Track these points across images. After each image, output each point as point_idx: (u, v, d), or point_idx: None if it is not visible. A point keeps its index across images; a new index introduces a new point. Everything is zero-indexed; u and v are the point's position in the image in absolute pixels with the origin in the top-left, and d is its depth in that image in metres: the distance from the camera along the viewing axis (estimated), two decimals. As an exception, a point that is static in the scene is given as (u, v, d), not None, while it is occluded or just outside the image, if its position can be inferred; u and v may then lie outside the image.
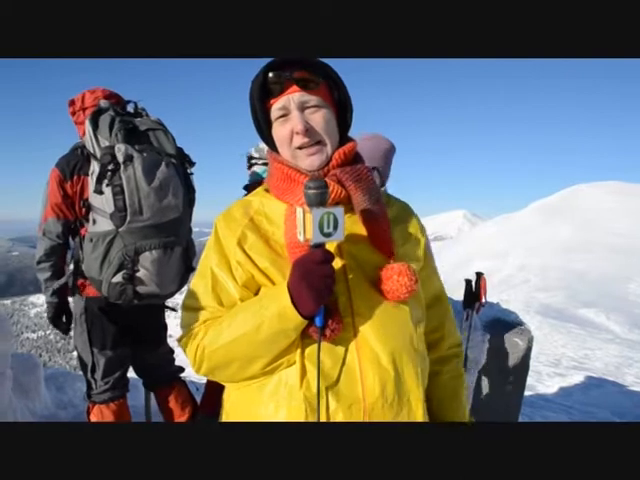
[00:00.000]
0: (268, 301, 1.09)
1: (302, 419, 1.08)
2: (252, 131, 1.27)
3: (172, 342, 2.70)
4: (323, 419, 1.08)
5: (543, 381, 8.65)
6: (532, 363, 4.75)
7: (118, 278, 2.14)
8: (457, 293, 3.49)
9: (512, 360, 4.30)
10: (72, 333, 2.54)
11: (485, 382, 4.29)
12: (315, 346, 1.06)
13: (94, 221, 2.19)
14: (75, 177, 2.31)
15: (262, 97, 1.17)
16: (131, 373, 2.62)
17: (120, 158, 2.06)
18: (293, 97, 1.14)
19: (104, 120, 2.18)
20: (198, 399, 2.75)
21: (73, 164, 2.32)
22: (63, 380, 3.96)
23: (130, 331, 2.51)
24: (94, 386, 2.45)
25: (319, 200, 1.00)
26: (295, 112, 1.14)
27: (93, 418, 2.44)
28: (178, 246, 2.24)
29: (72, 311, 2.51)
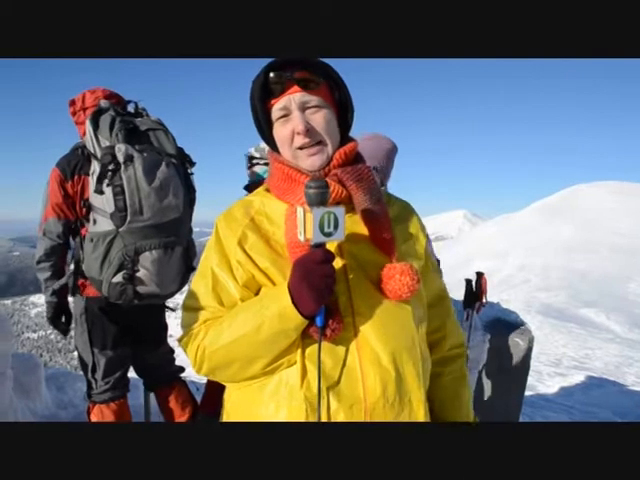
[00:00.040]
0: (269, 301, 1.09)
1: (303, 419, 1.08)
2: (253, 131, 1.28)
3: (172, 342, 2.70)
4: (324, 419, 1.08)
5: (544, 381, 8.65)
6: (533, 363, 4.75)
7: (118, 278, 2.14)
8: (457, 293, 3.49)
9: (513, 360, 4.30)
10: (72, 333, 2.54)
11: (486, 382, 4.29)
12: (316, 346, 1.06)
13: (94, 221, 2.19)
14: (76, 177, 2.31)
15: (263, 97, 1.17)
16: (131, 373, 2.62)
17: (120, 158, 2.06)
18: (294, 97, 1.14)
19: (104, 120, 2.19)
20: (198, 399, 2.75)
21: (74, 164, 2.32)
22: (64, 380, 3.96)
23: (130, 331, 2.51)
24: (94, 386, 2.45)
25: (320, 200, 1.00)
26: (296, 112, 1.14)
27: (93, 418, 2.44)
28: (178, 246, 2.24)
29: (71, 311, 2.51)
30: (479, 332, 4.14)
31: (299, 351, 1.10)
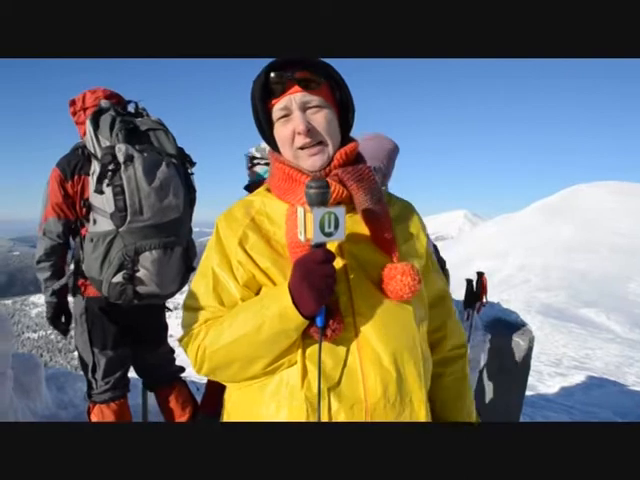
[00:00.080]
0: (269, 301, 1.08)
1: (304, 419, 1.08)
2: (253, 131, 1.27)
3: (173, 342, 2.70)
4: (325, 419, 1.07)
5: (544, 381, 8.65)
6: (533, 363, 4.75)
7: (118, 278, 2.14)
8: (458, 293, 3.50)
9: (513, 360, 4.30)
10: (72, 333, 2.54)
11: (486, 382, 4.29)
12: (316, 346, 1.06)
13: (94, 221, 2.19)
14: (76, 177, 2.31)
15: (264, 97, 1.17)
16: (131, 373, 2.62)
17: (121, 158, 2.06)
18: (295, 97, 1.14)
19: (105, 120, 2.19)
20: (199, 399, 2.74)
21: (74, 164, 2.32)
22: (64, 380, 3.96)
23: (130, 331, 2.51)
24: (95, 386, 2.44)
25: (320, 200, 1.00)
26: (297, 112, 1.14)
27: (94, 418, 2.44)
28: (178, 246, 2.24)
29: (71, 311, 2.51)
30: (479, 332, 4.15)
31: (299, 351, 1.10)
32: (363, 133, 2.47)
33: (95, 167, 2.14)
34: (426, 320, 1.27)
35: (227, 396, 1.29)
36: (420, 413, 1.15)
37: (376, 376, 1.09)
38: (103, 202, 2.11)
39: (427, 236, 1.40)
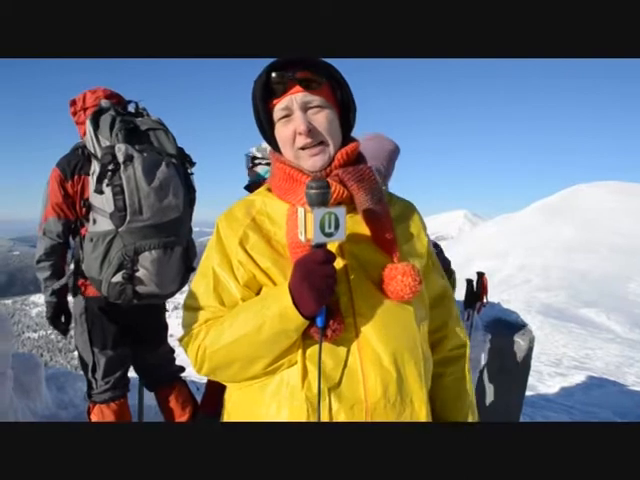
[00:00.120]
0: (269, 301, 1.09)
1: (304, 419, 1.08)
2: (253, 131, 1.27)
3: (173, 342, 2.70)
4: (325, 420, 1.07)
5: (544, 381, 8.65)
6: (533, 363, 4.75)
7: (118, 278, 2.14)
8: (458, 293, 3.50)
9: (513, 360, 4.30)
10: (72, 333, 2.54)
11: (486, 382, 4.29)
12: (316, 346, 1.06)
13: (94, 221, 2.19)
14: (76, 177, 2.31)
15: (265, 97, 1.17)
16: (131, 373, 2.62)
17: (120, 158, 2.06)
18: (296, 97, 1.14)
19: (105, 120, 2.19)
20: (199, 399, 2.75)
21: (74, 164, 2.32)
22: (64, 380, 3.96)
23: (130, 331, 2.51)
24: (95, 386, 2.45)
25: (320, 200, 1.00)
26: (298, 112, 1.14)
27: (94, 418, 2.44)
28: (178, 246, 2.24)
29: (71, 311, 2.51)
30: (480, 332, 4.14)
31: (300, 351, 1.10)
32: (364, 134, 2.47)
33: (95, 167, 2.14)
34: (427, 320, 1.27)
35: (227, 396, 1.29)
36: (421, 413, 1.15)
37: (376, 376, 1.09)
38: (103, 202, 2.12)
39: (428, 236, 1.40)
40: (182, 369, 2.79)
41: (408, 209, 1.34)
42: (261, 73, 1.15)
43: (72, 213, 2.34)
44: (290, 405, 1.10)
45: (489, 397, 4.28)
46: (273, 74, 1.13)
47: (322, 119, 1.15)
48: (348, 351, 1.10)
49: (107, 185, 2.08)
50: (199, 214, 2.69)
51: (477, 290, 3.66)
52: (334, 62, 1.18)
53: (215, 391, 2.45)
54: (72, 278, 2.37)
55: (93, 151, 2.16)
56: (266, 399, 1.14)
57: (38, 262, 2.38)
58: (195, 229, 2.61)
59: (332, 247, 1.11)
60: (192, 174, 2.44)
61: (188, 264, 2.32)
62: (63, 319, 2.51)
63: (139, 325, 2.54)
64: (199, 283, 1.23)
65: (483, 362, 4.13)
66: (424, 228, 1.34)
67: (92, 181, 2.15)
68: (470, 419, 1.35)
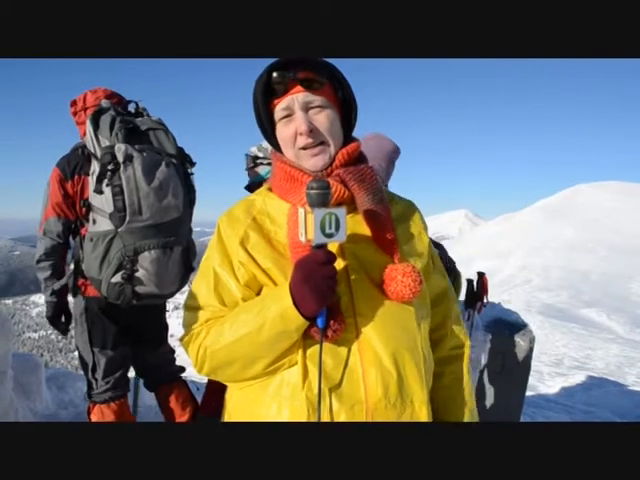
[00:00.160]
0: (270, 302, 1.08)
1: (305, 419, 1.08)
2: (253, 131, 1.27)
3: (173, 342, 2.70)
4: (326, 420, 1.07)
5: (544, 381, 8.65)
6: (533, 363, 4.76)
7: (117, 278, 2.14)
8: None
9: (514, 360, 4.30)
10: (72, 333, 2.54)
11: (487, 382, 4.29)
12: (317, 347, 1.06)
13: (94, 221, 2.19)
14: (76, 177, 2.31)
15: (266, 97, 1.17)
16: (131, 373, 2.62)
17: (120, 158, 2.06)
18: (297, 97, 1.14)
19: (105, 120, 2.19)
20: (199, 399, 2.74)
21: (74, 164, 2.32)
22: (64, 380, 3.96)
23: (130, 331, 2.51)
24: (95, 386, 2.44)
25: (321, 200, 1.00)
26: (299, 112, 1.14)
27: (94, 418, 2.44)
28: (178, 246, 2.24)
29: (71, 311, 2.51)
30: (480, 332, 4.15)
31: (300, 352, 1.10)
32: (365, 134, 2.47)
33: (95, 167, 2.14)
34: (428, 320, 1.26)
35: (228, 396, 1.29)
36: (421, 413, 1.15)
37: (377, 376, 1.09)
38: (102, 202, 2.12)
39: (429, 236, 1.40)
40: (182, 369, 2.79)
41: (409, 209, 1.34)
42: (262, 73, 1.15)
43: (72, 213, 2.34)
44: (291, 405, 1.10)
45: (489, 397, 4.28)
46: (274, 74, 1.13)
47: (323, 119, 1.15)
48: (349, 351, 1.10)
49: (107, 185, 2.08)
50: (199, 214, 2.69)
51: (477, 290, 3.66)
52: (334, 62, 1.18)
53: (215, 391, 2.45)
54: (72, 278, 2.37)
55: (93, 151, 2.16)
56: (267, 399, 1.14)
57: (38, 262, 2.38)
58: (196, 229, 2.61)
59: (333, 247, 1.11)
60: (192, 174, 2.44)
61: (188, 264, 2.32)
62: (63, 319, 2.51)
63: (139, 325, 2.54)
64: (200, 283, 1.23)
65: (483, 362, 4.14)
66: (425, 228, 1.34)
67: (92, 181, 2.15)
68: (467, 419, 1.34)
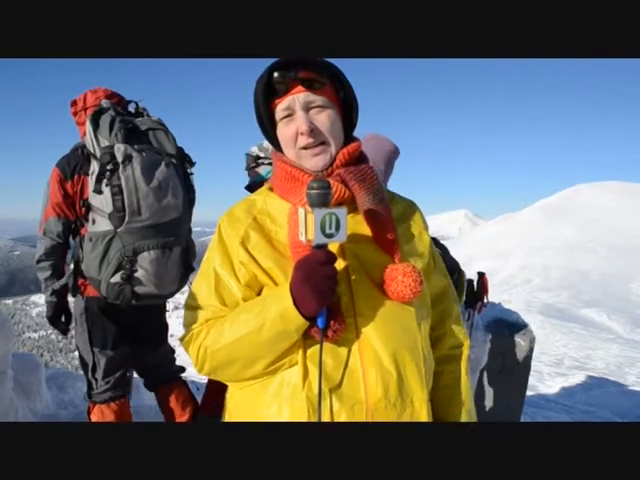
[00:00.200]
0: (270, 302, 1.08)
1: (305, 419, 1.08)
2: (253, 131, 1.27)
3: (173, 342, 2.70)
4: (326, 420, 1.07)
5: (545, 381, 8.65)
6: (534, 363, 4.76)
7: (116, 278, 2.14)
8: (459, 293, 3.49)
9: (514, 360, 4.30)
10: (73, 333, 2.54)
11: (487, 382, 4.30)
12: (317, 347, 1.06)
13: (93, 221, 2.19)
14: (76, 177, 2.31)
15: (267, 97, 1.17)
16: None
17: (119, 158, 2.06)
18: (298, 97, 1.14)
19: (104, 120, 2.19)
20: (199, 399, 2.74)
21: (74, 164, 2.32)
22: (64, 380, 3.96)
23: (130, 331, 2.51)
24: (95, 386, 2.44)
25: (321, 200, 1.00)
26: (300, 112, 1.14)
27: (94, 418, 2.44)
28: (177, 246, 2.24)
29: (71, 311, 2.51)
30: (480, 332, 4.15)
31: (301, 352, 1.10)
32: (364, 134, 2.47)
33: (94, 167, 2.14)
34: (429, 320, 1.26)
35: (229, 396, 1.29)
36: (421, 413, 1.15)
37: (377, 377, 1.09)
38: (102, 202, 2.12)
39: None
40: (182, 369, 2.79)
41: (410, 208, 1.34)
42: (263, 73, 1.15)
43: (72, 213, 2.34)
44: (291, 405, 1.10)
45: (490, 397, 4.28)
46: (275, 74, 1.13)
47: (324, 119, 1.15)
48: (349, 351, 1.10)
49: (106, 185, 2.07)
50: (199, 214, 2.69)
51: (478, 290, 3.66)
52: (334, 62, 1.18)
53: (215, 391, 2.45)
54: (72, 278, 2.37)
55: (92, 151, 2.16)
56: (267, 399, 1.14)
57: (38, 262, 2.38)
58: (196, 229, 2.62)
59: (333, 247, 1.11)
60: (192, 174, 2.44)
61: (187, 264, 2.32)
62: (63, 319, 2.51)
63: (139, 325, 2.53)
64: (200, 283, 1.24)
65: (484, 362, 4.14)
66: (426, 227, 1.34)
67: (91, 181, 2.15)
68: (465, 419, 1.34)
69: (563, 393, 7.99)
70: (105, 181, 2.07)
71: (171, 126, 2.35)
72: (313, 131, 1.14)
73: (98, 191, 2.10)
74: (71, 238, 2.41)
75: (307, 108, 1.14)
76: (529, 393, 6.15)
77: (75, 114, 2.48)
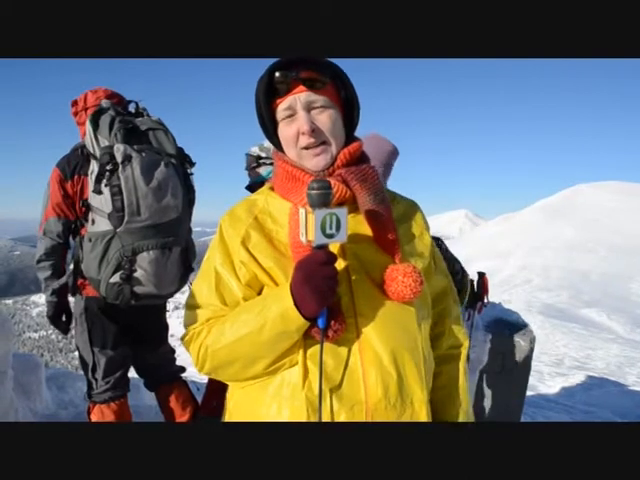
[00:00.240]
0: (271, 302, 1.08)
1: (305, 420, 1.08)
2: (254, 131, 1.27)
3: (173, 341, 2.70)
4: (326, 420, 1.07)
5: (545, 381, 8.65)
6: (534, 363, 4.76)
7: (116, 278, 2.14)
8: (459, 293, 3.49)
9: (514, 360, 4.30)
10: (73, 332, 2.54)
11: (487, 382, 4.30)
12: (317, 347, 1.06)
13: (93, 221, 2.19)
14: (75, 177, 2.31)
15: (268, 97, 1.17)
16: (132, 373, 2.62)
17: (119, 158, 2.06)
18: (299, 97, 1.13)
19: (104, 120, 2.19)
20: (199, 399, 2.75)
21: (74, 164, 2.32)
22: (64, 380, 3.96)
23: (130, 331, 2.51)
24: (95, 386, 2.44)
25: (322, 201, 1.00)
26: (301, 112, 1.14)
27: (94, 418, 2.44)
28: (177, 246, 2.24)
29: (72, 311, 2.51)
30: (480, 332, 4.15)
31: (301, 352, 1.10)
32: (364, 135, 2.47)
33: (94, 167, 2.14)
34: (429, 320, 1.26)
35: (230, 395, 1.29)
36: (421, 414, 1.15)
37: (377, 377, 1.09)
38: (101, 202, 2.12)
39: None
40: (182, 369, 2.79)
41: (411, 209, 1.34)
42: (264, 73, 1.15)
43: (72, 213, 2.34)
44: (291, 405, 1.10)
45: (490, 397, 4.28)
46: (276, 73, 1.12)
47: (326, 119, 1.15)
48: (349, 351, 1.10)
49: (105, 185, 2.07)
50: (199, 214, 2.69)
51: (478, 290, 3.66)
52: (334, 62, 1.18)
53: (215, 391, 2.45)
54: (72, 278, 2.37)
55: (92, 151, 2.16)
56: (267, 399, 1.14)
57: (38, 262, 2.38)
58: (196, 229, 2.61)
59: (334, 247, 1.11)
60: (192, 174, 2.44)
61: (187, 265, 2.32)
62: (64, 318, 2.51)
63: (139, 325, 2.53)
64: (201, 282, 1.24)
65: (484, 362, 4.14)
66: (427, 228, 1.34)
67: (91, 181, 2.15)
68: (461, 419, 1.34)
69: (563, 393, 7.99)
70: (104, 181, 2.07)
71: (171, 126, 2.35)
72: (314, 131, 1.13)
73: (98, 191, 2.10)
74: (71, 238, 2.42)
75: (308, 108, 1.14)
76: (529, 393, 6.15)
77: (76, 114, 2.48)
